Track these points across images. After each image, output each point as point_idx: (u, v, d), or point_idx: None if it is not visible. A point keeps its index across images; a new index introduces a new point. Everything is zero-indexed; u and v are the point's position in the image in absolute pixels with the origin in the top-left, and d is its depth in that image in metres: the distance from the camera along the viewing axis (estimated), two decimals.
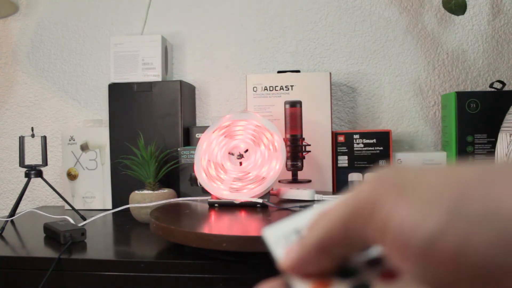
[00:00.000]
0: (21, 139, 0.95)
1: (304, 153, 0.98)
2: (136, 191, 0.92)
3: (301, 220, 0.23)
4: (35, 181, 1.22)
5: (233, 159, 0.82)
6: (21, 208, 1.17)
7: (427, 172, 0.17)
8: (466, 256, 0.14)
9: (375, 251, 0.19)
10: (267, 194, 0.79)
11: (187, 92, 1.10)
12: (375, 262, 0.19)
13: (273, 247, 0.22)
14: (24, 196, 0.99)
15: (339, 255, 0.19)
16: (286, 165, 0.98)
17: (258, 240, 0.58)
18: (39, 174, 0.95)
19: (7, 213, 1.09)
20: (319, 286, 0.19)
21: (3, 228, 0.85)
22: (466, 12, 0.98)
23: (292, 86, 0.99)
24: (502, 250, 0.14)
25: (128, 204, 0.90)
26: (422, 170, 0.17)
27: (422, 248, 0.15)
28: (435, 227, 0.15)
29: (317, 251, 0.19)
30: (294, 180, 0.98)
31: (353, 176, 1.00)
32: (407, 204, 0.16)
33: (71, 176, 1.09)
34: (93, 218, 0.89)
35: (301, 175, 0.98)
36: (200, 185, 0.82)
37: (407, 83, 1.13)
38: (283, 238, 0.22)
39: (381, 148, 0.99)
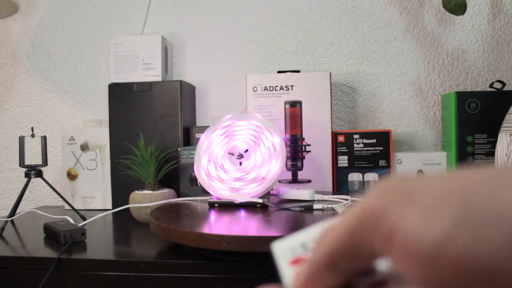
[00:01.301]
0: (21, 139, 0.95)
1: (304, 153, 0.98)
2: (136, 191, 0.92)
3: (308, 234, 0.23)
4: (35, 181, 1.22)
5: (233, 159, 0.82)
6: (21, 208, 1.17)
7: (431, 180, 0.17)
8: (475, 260, 0.14)
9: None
10: (267, 194, 0.79)
11: (187, 92, 1.10)
12: (367, 273, 0.19)
13: (278, 260, 0.23)
14: (24, 196, 0.99)
15: (347, 270, 0.19)
16: (286, 165, 0.98)
17: (258, 240, 0.58)
18: (39, 174, 0.95)
19: (7, 213, 1.09)
20: None
21: (3, 228, 0.85)
22: (466, 12, 0.98)
23: (292, 86, 0.99)
24: (511, 252, 0.14)
25: (128, 204, 0.90)
26: (426, 178, 0.17)
27: (430, 254, 0.15)
28: (443, 233, 0.15)
29: (326, 266, 0.19)
30: (294, 180, 0.98)
31: (353, 176, 1.00)
32: (413, 211, 0.16)
33: (71, 176, 1.09)
34: (93, 218, 0.89)
35: (301, 175, 0.98)
36: (200, 185, 0.82)
37: (407, 83, 1.13)
38: (289, 251, 0.23)
39: (381, 148, 0.99)
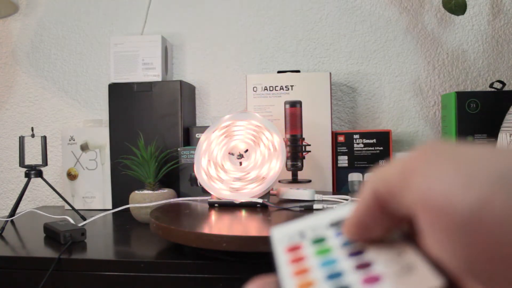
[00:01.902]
0: (21, 139, 0.95)
1: (304, 153, 0.98)
2: (136, 191, 0.92)
3: (307, 223, 0.23)
4: (35, 181, 1.22)
5: (233, 159, 0.82)
6: (21, 208, 1.17)
7: (469, 147, 0.17)
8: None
9: (371, 255, 0.19)
10: (267, 194, 0.79)
11: (187, 92, 1.10)
12: (364, 266, 0.19)
13: (275, 246, 0.23)
14: (24, 196, 0.99)
15: (394, 211, 0.19)
16: (286, 165, 0.98)
17: (258, 240, 0.58)
18: (39, 174, 0.95)
19: (7, 213, 1.09)
20: (304, 285, 0.19)
21: (3, 228, 0.85)
22: (466, 12, 0.98)
23: (292, 86, 0.99)
24: None
25: (128, 204, 0.90)
26: (464, 144, 0.17)
27: (465, 218, 0.15)
28: (480, 196, 0.15)
29: (369, 210, 0.19)
30: (294, 180, 0.98)
31: (353, 176, 1.00)
32: (449, 173, 0.16)
33: (71, 176, 1.09)
34: (93, 218, 0.89)
35: (301, 175, 0.98)
36: (200, 185, 0.82)
37: (407, 83, 1.13)
38: (287, 238, 0.23)
39: (381, 148, 0.99)
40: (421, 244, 0.19)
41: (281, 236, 0.23)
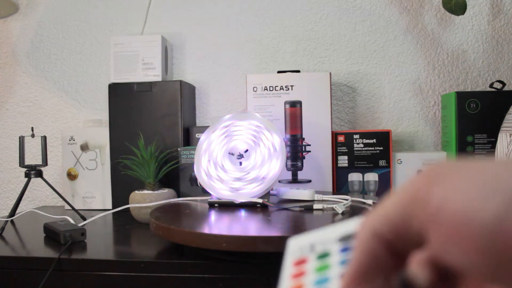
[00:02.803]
0: (21, 139, 0.95)
1: (304, 153, 0.98)
2: (136, 191, 0.92)
3: (322, 236, 0.23)
4: (35, 181, 1.22)
5: (233, 159, 0.82)
6: (21, 208, 1.17)
7: (476, 163, 0.17)
8: None
9: None
10: (267, 194, 0.79)
11: (187, 92, 1.11)
12: None
13: (287, 257, 0.23)
14: (24, 196, 0.99)
15: (399, 249, 0.19)
16: (286, 165, 0.98)
17: (258, 240, 0.58)
18: (39, 174, 0.95)
19: (7, 213, 1.09)
20: None
21: (3, 228, 0.85)
22: (466, 12, 0.98)
23: (292, 86, 0.99)
24: None
25: (128, 204, 0.90)
26: (471, 161, 0.18)
27: (489, 227, 0.15)
28: (501, 206, 0.15)
29: (372, 255, 0.18)
30: (294, 180, 0.98)
31: (353, 176, 1.00)
32: (464, 188, 0.16)
33: (71, 176, 1.09)
34: (93, 218, 0.89)
35: (301, 175, 0.98)
36: (200, 185, 0.82)
37: (407, 83, 1.13)
38: (298, 250, 0.23)
39: (381, 148, 0.99)
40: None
41: (295, 248, 0.23)
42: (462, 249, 0.16)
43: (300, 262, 0.22)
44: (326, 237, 0.23)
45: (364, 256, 0.19)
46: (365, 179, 0.99)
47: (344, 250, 0.22)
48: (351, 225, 0.23)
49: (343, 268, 0.20)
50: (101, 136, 1.08)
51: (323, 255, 0.22)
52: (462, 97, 0.97)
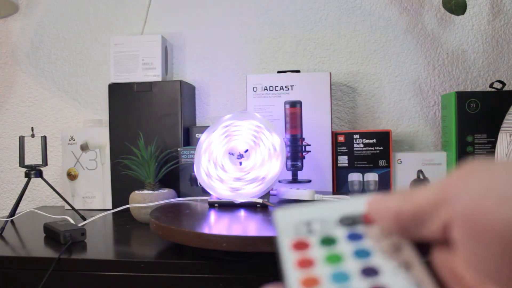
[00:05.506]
0: (21, 139, 0.95)
1: (304, 153, 0.98)
2: (136, 191, 0.92)
3: (315, 213, 0.22)
4: (35, 181, 1.22)
5: (233, 159, 0.82)
6: (21, 208, 1.17)
7: (499, 164, 0.17)
8: None
9: (386, 278, 0.19)
10: (267, 194, 0.79)
11: (187, 92, 1.10)
12: (371, 272, 0.19)
13: (280, 237, 0.22)
14: (24, 196, 0.99)
15: (411, 236, 0.19)
16: (286, 165, 0.98)
17: (258, 240, 0.58)
18: (39, 174, 0.95)
19: (7, 213, 1.09)
20: (310, 282, 0.19)
21: (3, 228, 0.85)
22: (466, 12, 0.98)
23: (292, 86, 0.99)
24: None
25: (128, 204, 0.90)
26: (499, 162, 0.18)
27: (505, 234, 0.15)
28: None
29: (411, 214, 0.19)
30: (294, 180, 0.98)
31: (353, 176, 1.00)
32: (499, 189, 0.16)
33: (71, 176, 1.09)
34: (93, 218, 0.89)
35: (301, 175, 0.98)
36: (200, 185, 0.82)
37: (407, 83, 1.13)
38: (293, 229, 0.22)
39: (381, 148, 0.99)
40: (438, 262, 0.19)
41: (286, 223, 0.22)
42: (486, 251, 0.16)
43: (300, 245, 0.21)
44: (322, 215, 0.22)
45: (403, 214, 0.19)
46: (365, 179, 0.99)
47: (352, 237, 0.21)
48: (347, 205, 0.22)
49: (361, 263, 0.19)
50: (101, 136, 1.08)
51: (328, 240, 0.21)
52: (462, 97, 0.97)
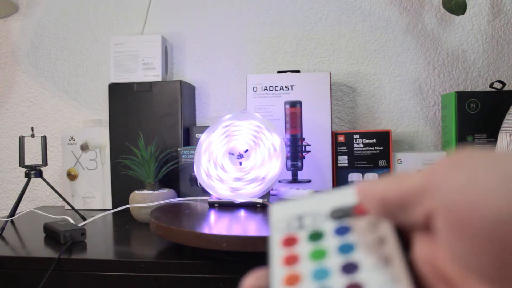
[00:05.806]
0: (21, 139, 0.95)
1: (304, 153, 0.98)
2: (136, 191, 0.92)
3: (308, 207, 0.22)
4: (35, 181, 1.22)
5: (233, 159, 0.82)
6: (21, 208, 1.17)
7: (501, 154, 0.17)
8: None
9: (364, 274, 0.18)
10: (267, 194, 0.79)
11: (187, 92, 1.10)
12: (351, 268, 0.19)
13: (272, 231, 0.22)
14: (24, 196, 0.99)
15: (396, 222, 0.20)
16: (286, 165, 0.98)
17: (258, 240, 0.58)
18: (39, 174, 0.95)
19: (7, 213, 1.10)
20: (292, 280, 0.19)
21: (3, 228, 0.85)
22: (466, 12, 0.98)
23: (292, 86, 0.99)
24: None
25: (128, 204, 0.90)
26: (489, 151, 0.18)
27: (500, 223, 0.15)
28: (502, 205, 0.15)
29: (397, 199, 0.19)
30: (294, 180, 0.98)
31: (353, 176, 1.00)
32: (483, 179, 0.16)
33: (71, 176, 1.09)
34: (93, 218, 0.89)
35: (301, 175, 0.98)
36: (200, 185, 0.82)
37: (407, 83, 1.13)
38: (284, 224, 0.22)
39: (381, 148, 0.99)
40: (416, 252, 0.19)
41: (280, 218, 0.22)
42: (468, 244, 0.16)
43: (289, 241, 0.21)
44: (315, 207, 0.22)
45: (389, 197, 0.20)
46: (365, 179, 0.99)
47: (339, 231, 0.20)
48: (342, 195, 0.22)
49: (343, 258, 0.19)
50: (101, 136, 1.08)
51: (315, 235, 0.21)
52: (462, 97, 0.97)
